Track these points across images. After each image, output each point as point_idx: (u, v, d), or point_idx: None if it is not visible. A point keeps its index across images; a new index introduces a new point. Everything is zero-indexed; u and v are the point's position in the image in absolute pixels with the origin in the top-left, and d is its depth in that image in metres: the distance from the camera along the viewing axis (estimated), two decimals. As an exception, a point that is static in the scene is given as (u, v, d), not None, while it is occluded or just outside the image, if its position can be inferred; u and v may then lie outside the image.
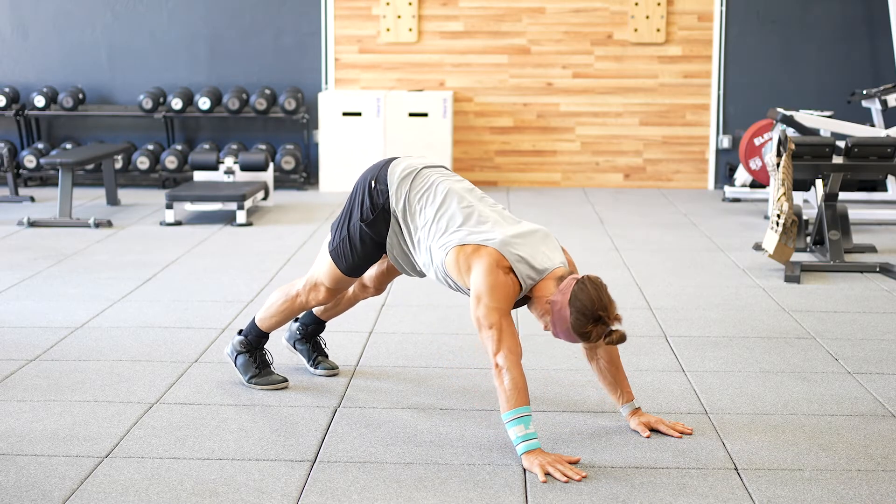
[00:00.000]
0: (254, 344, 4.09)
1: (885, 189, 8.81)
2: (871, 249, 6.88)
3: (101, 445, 3.48)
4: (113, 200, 8.64)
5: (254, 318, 4.10)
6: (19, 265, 6.30)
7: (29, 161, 9.46)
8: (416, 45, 9.81)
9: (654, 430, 3.61)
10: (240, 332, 4.14)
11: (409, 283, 5.78)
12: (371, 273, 4.06)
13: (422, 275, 3.80)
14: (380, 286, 4.10)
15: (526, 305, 3.60)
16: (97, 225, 7.59)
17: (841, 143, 6.71)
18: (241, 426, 3.69)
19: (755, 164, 8.68)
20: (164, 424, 3.69)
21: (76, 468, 3.30)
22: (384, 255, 3.83)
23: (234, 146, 9.57)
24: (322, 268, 3.87)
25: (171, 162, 9.44)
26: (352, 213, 3.76)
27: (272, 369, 4.12)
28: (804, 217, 6.94)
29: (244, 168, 8.42)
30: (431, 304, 5.36)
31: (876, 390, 4.12)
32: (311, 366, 4.26)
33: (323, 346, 4.32)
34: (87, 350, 4.58)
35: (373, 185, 3.71)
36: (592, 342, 3.42)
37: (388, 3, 9.72)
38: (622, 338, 3.39)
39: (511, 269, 3.45)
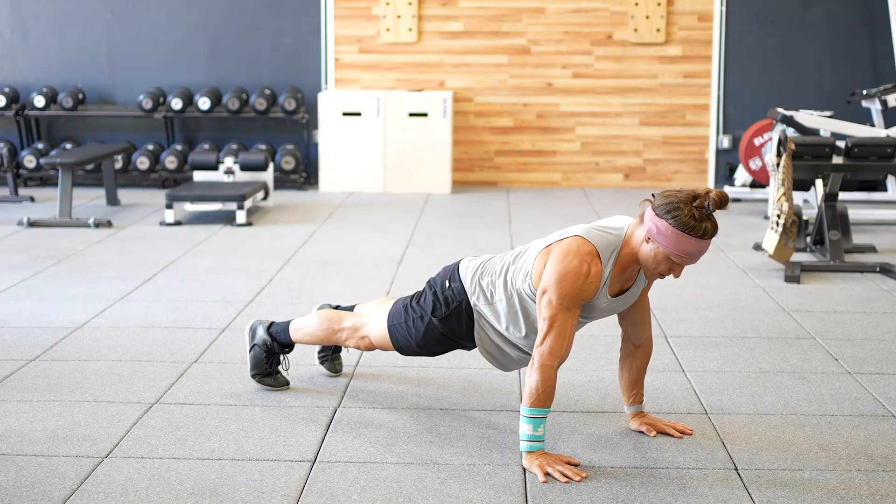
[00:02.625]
0: (276, 350, 4.05)
1: (885, 189, 8.81)
2: (871, 249, 6.88)
3: (101, 445, 3.48)
4: (113, 200, 8.64)
5: (289, 325, 4.01)
6: (19, 265, 6.30)
7: (29, 161, 9.46)
8: (416, 45, 9.81)
9: (657, 431, 3.62)
10: (270, 327, 4.04)
11: (408, 283, 5.78)
12: None
13: (520, 362, 3.66)
14: None
15: (632, 293, 3.48)
16: (97, 225, 7.59)
17: (841, 143, 6.71)
18: (241, 426, 3.69)
19: (755, 164, 8.68)
20: (164, 424, 3.69)
21: (76, 468, 3.30)
22: (443, 353, 3.78)
23: (234, 146, 9.57)
24: (377, 328, 3.79)
25: (171, 162, 9.43)
26: (422, 303, 3.67)
27: (280, 371, 4.10)
28: (804, 217, 6.95)
29: (244, 168, 8.42)
30: (431, 304, 5.35)
31: (876, 390, 4.12)
32: (318, 357, 4.25)
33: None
34: (87, 350, 4.58)
35: (447, 284, 3.64)
36: (708, 229, 3.20)
37: (388, 3, 9.72)
38: (721, 195, 3.19)
39: (593, 255, 3.30)
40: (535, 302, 3.44)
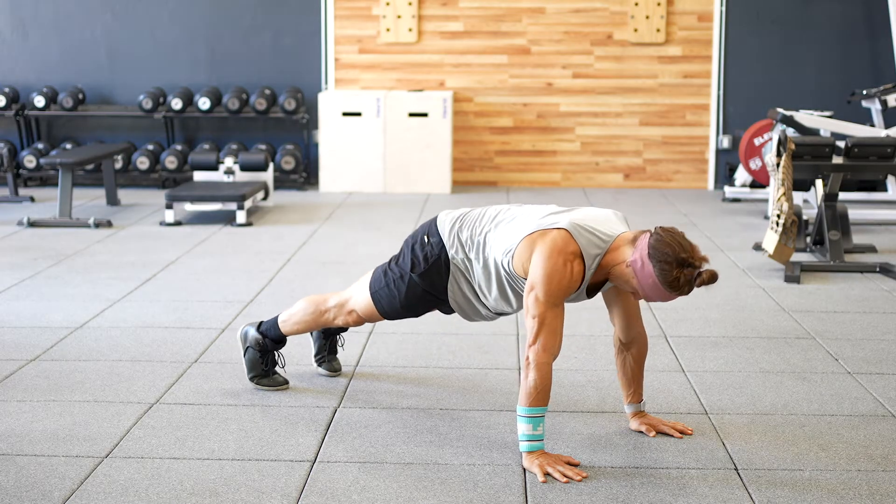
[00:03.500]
0: (269, 347, 4.06)
1: (885, 189, 8.81)
2: (871, 249, 6.88)
3: (101, 445, 3.48)
4: (113, 200, 8.64)
5: (276, 318, 4.04)
6: (19, 265, 6.30)
7: (29, 161, 9.46)
8: (416, 45, 9.81)
9: (657, 431, 3.62)
10: (259, 326, 4.06)
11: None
12: None
13: (487, 318, 3.73)
14: None
15: (603, 291, 3.51)
16: (97, 225, 7.59)
17: (841, 143, 6.71)
18: (241, 426, 3.69)
19: (755, 164, 8.68)
20: (164, 424, 3.69)
21: (76, 468, 3.30)
22: (427, 312, 3.81)
23: (234, 146, 9.57)
24: (361, 299, 3.82)
25: (171, 162, 9.43)
26: (401, 263, 3.71)
27: (277, 371, 4.11)
28: (804, 217, 6.94)
29: (244, 168, 8.42)
30: (431, 304, 5.35)
31: (876, 390, 4.12)
32: (315, 360, 4.25)
33: (338, 345, 4.29)
34: (86, 350, 4.58)
35: (426, 240, 3.67)
36: (685, 291, 3.23)
37: (388, 3, 9.72)
38: (713, 276, 3.21)
39: (577, 255, 3.32)
40: (509, 275, 3.48)
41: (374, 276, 3.81)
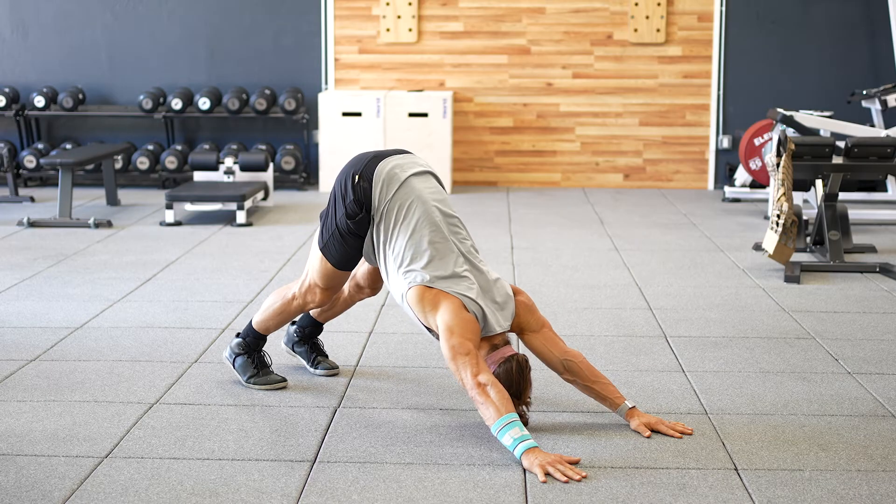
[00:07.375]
0: (252, 346, 4.09)
1: (885, 189, 8.81)
2: (871, 249, 6.88)
3: (101, 445, 3.49)
4: (113, 200, 8.64)
5: (251, 321, 4.11)
6: (19, 265, 6.30)
7: (29, 161, 9.46)
8: (416, 45, 9.81)
9: (654, 431, 3.62)
10: (238, 335, 4.15)
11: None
12: (363, 271, 4.07)
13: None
14: (374, 284, 4.09)
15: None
16: (97, 225, 7.59)
17: (841, 143, 6.71)
18: (241, 426, 3.69)
19: (755, 164, 8.68)
20: (164, 424, 3.69)
21: (76, 468, 3.30)
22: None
23: (234, 146, 9.57)
24: (314, 266, 3.88)
25: (171, 162, 9.43)
26: (336, 208, 3.77)
27: (271, 370, 4.12)
28: (804, 217, 6.94)
29: (244, 168, 8.42)
30: (431, 304, 5.35)
31: (876, 390, 4.12)
32: (311, 367, 4.27)
33: (321, 346, 4.32)
34: (87, 350, 4.58)
35: (356, 179, 3.71)
36: None
37: (388, 3, 9.72)
38: (524, 423, 3.50)
39: (472, 317, 3.57)
40: (400, 297, 3.66)
41: (316, 237, 3.88)
